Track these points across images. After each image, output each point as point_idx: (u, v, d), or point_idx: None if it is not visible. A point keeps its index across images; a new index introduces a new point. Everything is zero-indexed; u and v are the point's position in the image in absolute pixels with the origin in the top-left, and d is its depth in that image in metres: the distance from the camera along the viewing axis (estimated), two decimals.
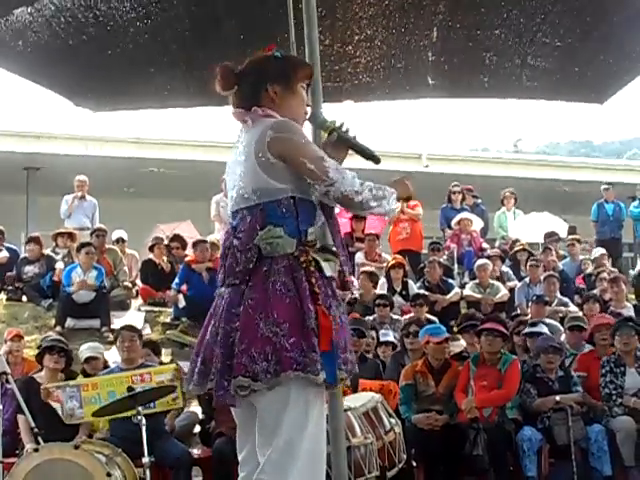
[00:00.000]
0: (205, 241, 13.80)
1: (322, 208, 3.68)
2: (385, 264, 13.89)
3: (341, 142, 3.83)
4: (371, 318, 11.54)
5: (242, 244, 3.59)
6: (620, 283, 12.55)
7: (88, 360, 9.37)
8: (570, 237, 16.54)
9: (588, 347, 10.03)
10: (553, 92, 7.58)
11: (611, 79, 7.08)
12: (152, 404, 7.39)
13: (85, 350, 9.55)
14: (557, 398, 8.61)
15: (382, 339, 10.52)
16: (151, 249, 14.64)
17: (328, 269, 3.60)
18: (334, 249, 3.71)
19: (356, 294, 12.78)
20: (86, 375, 8.96)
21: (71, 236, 14.72)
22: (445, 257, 15.53)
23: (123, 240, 15.45)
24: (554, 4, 6.22)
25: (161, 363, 9.70)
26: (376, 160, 3.82)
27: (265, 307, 3.47)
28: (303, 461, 3.45)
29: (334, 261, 3.67)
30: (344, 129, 3.85)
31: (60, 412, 7.60)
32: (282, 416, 3.48)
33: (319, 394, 3.54)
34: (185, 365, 9.78)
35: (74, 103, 7.24)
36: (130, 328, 9.06)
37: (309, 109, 3.91)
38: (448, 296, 13.27)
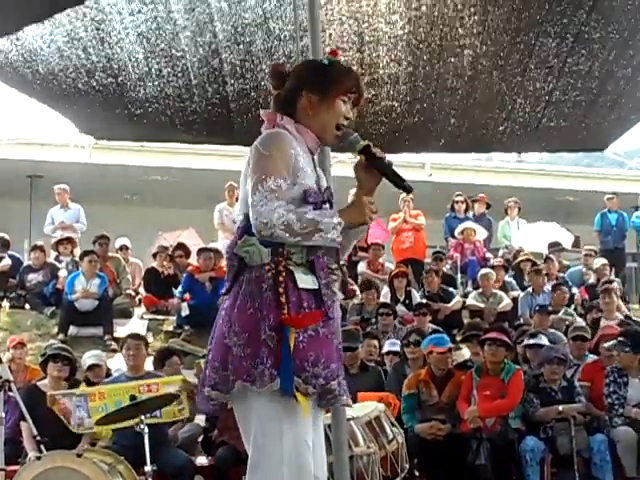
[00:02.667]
0: (209, 249, 13.79)
1: None
2: (388, 274, 13.88)
3: (372, 166, 3.60)
4: (374, 327, 11.54)
5: (227, 254, 3.60)
6: (612, 294, 12.51)
7: (91, 367, 9.38)
8: (586, 248, 16.50)
9: (591, 357, 10.03)
10: (558, 145, 7.68)
11: (614, 129, 7.16)
12: (158, 413, 7.39)
13: (88, 358, 9.56)
14: (560, 408, 8.60)
15: (390, 349, 10.48)
16: (154, 257, 14.64)
17: (304, 281, 3.46)
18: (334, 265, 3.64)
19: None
20: (89, 383, 8.97)
21: (70, 241, 14.75)
22: (449, 266, 15.55)
23: (127, 247, 15.46)
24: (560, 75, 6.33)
25: None
26: (408, 190, 3.63)
27: (231, 317, 3.44)
28: (282, 471, 3.35)
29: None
30: (376, 153, 3.60)
31: (65, 421, 7.59)
32: (250, 427, 3.44)
33: (291, 403, 3.38)
34: (188, 374, 9.79)
35: (79, 130, 7.27)
36: (135, 336, 9.08)
37: (345, 122, 3.67)
38: (449, 304, 13.25)
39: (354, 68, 6.02)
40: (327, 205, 3.58)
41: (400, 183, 3.60)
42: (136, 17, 5.67)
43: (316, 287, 3.47)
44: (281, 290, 3.39)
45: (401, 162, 20.68)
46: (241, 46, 5.92)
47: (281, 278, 3.41)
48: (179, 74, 6.01)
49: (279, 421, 3.38)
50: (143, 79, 6.06)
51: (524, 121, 7.02)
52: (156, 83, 6.08)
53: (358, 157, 3.64)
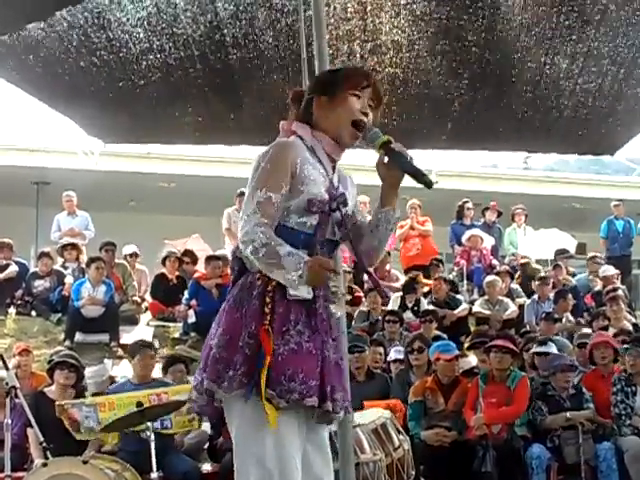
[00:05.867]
0: (218, 257, 13.75)
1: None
2: (394, 281, 13.86)
3: (391, 162, 3.54)
4: (381, 334, 11.53)
5: (231, 260, 3.61)
6: (619, 301, 12.47)
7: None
8: (591, 254, 16.47)
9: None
10: (566, 147, 7.71)
11: (622, 133, 7.17)
12: (169, 424, 7.39)
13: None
14: (568, 415, 8.58)
15: (396, 356, 10.43)
16: (163, 263, 14.62)
17: (298, 290, 3.34)
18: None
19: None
20: (95, 393, 8.98)
21: (75, 247, 14.77)
22: (454, 273, 15.54)
23: (136, 255, 15.42)
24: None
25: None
26: (428, 184, 3.48)
27: (220, 319, 3.45)
28: (264, 475, 3.29)
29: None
30: (395, 148, 3.52)
31: (74, 431, 7.59)
32: (232, 429, 3.42)
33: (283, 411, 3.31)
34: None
35: (86, 132, 7.28)
36: (145, 344, 9.08)
37: (361, 117, 3.58)
38: (456, 311, 13.22)
39: (357, 35, 6.14)
40: (337, 213, 3.52)
41: (420, 178, 3.51)
42: (136, 5, 5.74)
43: (310, 297, 3.40)
44: (267, 300, 3.36)
45: None
46: (243, 22, 5.96)
47: (270, 287, 3.37)
48: (180, 47, 6.04)
49: (260, 425, 3.32)
50: (145, 53, 6.09)
51: (533, 127, 7.04)
52: (158, 56, 6.10)
53: (378, 153, 3.56)
